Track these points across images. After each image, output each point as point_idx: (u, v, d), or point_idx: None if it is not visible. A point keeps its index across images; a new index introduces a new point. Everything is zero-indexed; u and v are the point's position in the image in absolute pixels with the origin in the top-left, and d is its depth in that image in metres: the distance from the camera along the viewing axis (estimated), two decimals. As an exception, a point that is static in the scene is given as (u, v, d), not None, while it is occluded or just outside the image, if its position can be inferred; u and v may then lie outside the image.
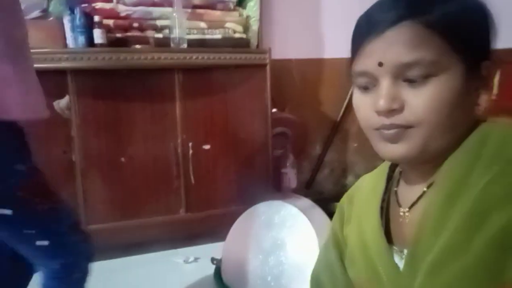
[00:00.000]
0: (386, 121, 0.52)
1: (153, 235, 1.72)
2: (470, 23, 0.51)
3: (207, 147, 1.71)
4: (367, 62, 0.53)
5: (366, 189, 0.67)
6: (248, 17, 1.78)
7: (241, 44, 1.71)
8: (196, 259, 1.65)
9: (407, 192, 0.59)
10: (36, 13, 1.45)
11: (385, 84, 0.51)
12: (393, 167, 0.65)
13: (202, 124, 1.70)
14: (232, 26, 1.71)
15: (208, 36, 1.67)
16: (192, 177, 1.70)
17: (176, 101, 1.64)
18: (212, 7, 1.68)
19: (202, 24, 1.66)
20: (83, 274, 0.98)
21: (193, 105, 1.67)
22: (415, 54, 0.49)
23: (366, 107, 0.54)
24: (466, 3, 0.51)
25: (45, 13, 1.47)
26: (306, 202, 1.46)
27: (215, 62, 1.63)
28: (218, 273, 1.37)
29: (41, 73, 1.45)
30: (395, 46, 0.50)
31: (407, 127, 0.51)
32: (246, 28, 1.78)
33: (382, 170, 0.66)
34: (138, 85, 1.60)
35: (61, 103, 1.51)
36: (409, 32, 0.49)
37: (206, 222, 1.74)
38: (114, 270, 1.64)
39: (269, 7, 1.90)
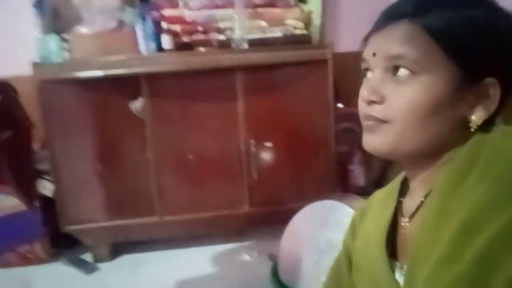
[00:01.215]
0: (366, 110, 0.54)
1: (218, 228, 1.82)
2: (472, 35, 0.50)
3: (269, 144, 1.74)
4: (367, 50, 0.56)
5: (377, 203, 0.67)
6: (309, 12, 1.76)
7: (302, 41, 1.70)
8: (256, 254, 1.71)
9: (409, 202, 0.59)
10: (112, 24, 1.61)
11: (374, 74, 0.54)
12: (405, 180, 0.63)
13: (264, 121, 1.73)
14: (293, 23, 1.71)
15: (268, 35, 1.70)
16: (254, 174, 1.75)
17: (238, 99, 1.69)
18: (272, 5, 1.70)
19: (263, 23, 1.69)
20: None
21: (255, 103, 1.71)
22: (402, 48, 0.51)
23: (360, 95, 0.56)
24: (472, 15, 0.50)
25: (121, 23, 1.62)
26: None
27: (276, 60, 1.65)
28: (274, 269, 1.40)
29: (117, 78, 1.63)
30: (388, 39, 0.53)
31: (383, 121, 0.52)
32: (307, 24, 1.77)
33: (395, 183, 0.66)
34: (203, 86, 1.68)
35: (136, 105, 1.67)
36: (404, 29, 0.51)
37: (268, 218, 1.79)
38: (182, 259, 1.77)
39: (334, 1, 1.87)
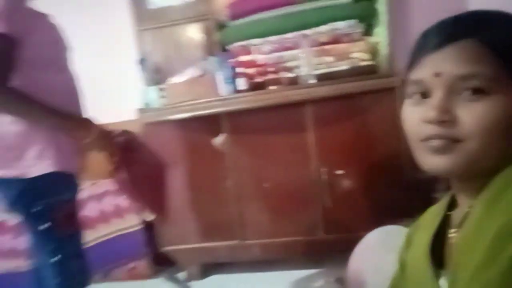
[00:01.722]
0: (436, 130, 0.53)
1: (295, 253, 1.90)
2: None
3: (340, 172, 1.81)
4: (424, 71, 0.55)
5: (428, 216, 0.71)
6: (376, 43, 1.82)
7: (369, 71, 1.76)
8: (331, 280, 1.74)
9: (457, 214, 0.61)
10: (198, 73, 1.89)
11: (438, 95, 0.53)
12: (454, 195, 0.66)
13: (334, 150, 1.80)
14: (359, 55, 1.78)
15: (335, 68, 1.79)
16: (328, 201, 1.82)
17: (308, 131, 1.80)
18: (338, 41, 1.80)
19: (329, 58, 1.80)
20: None
21: (324, 133, 1.80)
22: (473, 67, 0.51)
23: (415, 118, 0.56)
24: None
25: (204, 71, 1.89)
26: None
27: (342, 91, 1.73)
28: (342, 293, 1.44)
29: (202, 118, 1.87)
30: (453, 59, 0.52)
31: (455, 140, 0.52)
32: (374, 55, 1.83)
33: (445, 198, 0.68)
34: (275, 120, 1.84)
35: (218, 140, 1.89)
36: (468, 48, 0.52)
37: (344, 244, 1.81)
38: (262, 282, 1.89)
39: (401, 29, 1.89)
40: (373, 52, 1.83)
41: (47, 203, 1.10)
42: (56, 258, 1.11)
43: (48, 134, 1.10)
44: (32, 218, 1.11)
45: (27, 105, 1.02)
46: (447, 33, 0.54)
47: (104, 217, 2.21)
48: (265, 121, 1.85)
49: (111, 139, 1.18)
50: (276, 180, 1.87)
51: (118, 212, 2.19)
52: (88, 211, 2.21)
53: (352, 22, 1.79)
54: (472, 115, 0.51)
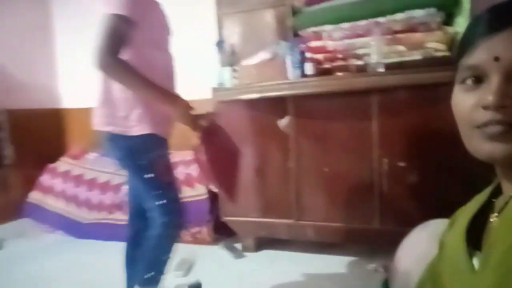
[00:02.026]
0: (494, 116, 0.51)
1: (348, 239, 1.92)
2: None
3: (402, 164, 1.77)
4: (481, 56, 0.53)
5: (472, 203, 0.72)
6: (456, 33, 1.73)
7: (443, 62, 1.69)
8: (380, 269, 1.74)
9: (500, 201, 0.61)
10: (268, 56, 1.97)
11: (497, 79, 0.51)
12: (499, 183, 0.65)
13: (398, 142, 1.78)
14: (434, 45, 1.72)
15: (407, 58, 1.75)
16: (386, 192, 1.80)
17: (373, 120, 1.80)
18: (413, 30, 1.75)
19: (401, 47, 1.76)
20: (176, 235, 1.41)
21: (389, 124, 1.78)
22: None
23: (470, 103, 0.55)
24: None
25: (274, 55, 1.97)
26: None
27: (412, 82, 1.68)
28: (386, 282, 1.45)
29: (269, 99, 1.96)
30: None
31: None
32: (452, 46, 1.74)
33: (491, 185, 0.68)
34: (340, 107, 1.86)
35: (283, 122, 1.97)
36: None
37: (399, 236, 1.79)
38: (312, 263, 1.95)
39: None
40: (451, 43, 1.74)
41: (148, 157, 1.32)
42: (161, 202, 1.35)
43: (146, 102, 1.31)
44: (138, 169, 1.34)
45: (131, 75, 1.21)
46: (505, 16, 0.52)
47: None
48: (330, 106, 1.88)
49: (196, 117, 1.36)
50: (336, 166, 1.90)
51: (189, 181, 2.39)
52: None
53: (431, 10, 1.73)
54: None
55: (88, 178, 2.80)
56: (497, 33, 0.52)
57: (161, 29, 1.40)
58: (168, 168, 1.41)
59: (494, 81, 0.52)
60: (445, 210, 1.67)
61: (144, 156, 1.32)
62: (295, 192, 1.99)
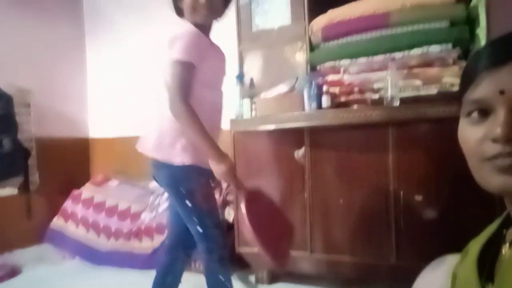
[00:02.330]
0: (504, 149, 0.51)
1: (363, 274, 1.87)
2: None
3: (419, 198, 1.75)
4: (486, 89, 0.54)
5: (484, 234, 0.71)
6: (472, 69, 1.75)
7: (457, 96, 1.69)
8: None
9: (511, 231, 0.61)
10: (286, 89, 2.03)
11: (503, 112, 0.52)
12: (509, 214, 0.65)
13: (415, 175, 1.76)
14: (450, 80, 1.73)
15: (423, 92, 1.77)
16: (403, 226, 1.77)
17: (389, 152, 1.79)
18: (429, 65, 1.78)
19: (417, 82, 1.78)
20: (221, 259, 1.44)
21: (406, 157, 1.77)
22: None
23: (478, 136, 0.55)
24: None
25: (292, 88, 2.02)
26: None
27: (427, 116, 1.69)
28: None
29: (286, 130, 2.00)
30: None
31: None
32: (469, 80, 1.75)
33: (502, 216, 0.68)
34: (356, 139, 1.87)
35: (299, 153, 1.99)
36: None
37: (416, 273, 1.73)
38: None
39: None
40: (468, 77, 1.75)
41: (190, 186, 1.40)
42: (201, 228, 1.41)
43: None
44: (181, 197, 1.41)
45: (196, 125, 1.30)
46: (508, 50, 0.53)
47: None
48: (346, 139, 1.90)
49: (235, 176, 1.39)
50: (352, 198, 1.89)
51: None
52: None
53: (446, 46, 1.76)
54: None
55: (109, 205, 2.86)
56: (500, 66, 0.53)
57: (217, 71, 1.52)
58: (208, 196, 1.47)
59: (500, 113, 0.52)
60: (463, 244, 1.63)
61: (186, 184, 1.40)
62: (310, 224, 1.98)
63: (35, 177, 3.04)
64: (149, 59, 3.01)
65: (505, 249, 0.58)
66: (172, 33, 1.37)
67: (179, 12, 1.48)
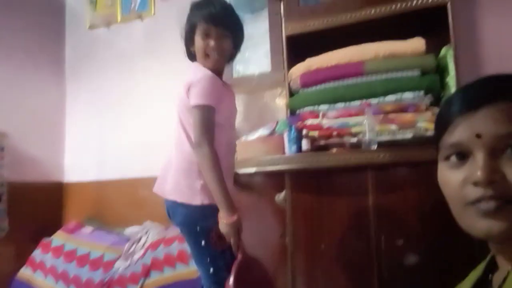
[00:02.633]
0: (486, 192, 0.52)
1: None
2: None
3: (400, 242, 1.74)
4: (463, 134, 0.56)
5: (467, 281, 0.71)
6: (444, 114, 1.82)
7: (433, 141, 1.74)
8: None
9: (498, 276, 0.61)
10: (267, 132, 2.06)
11: (482, 155, 0.53)
12: (494, 257, 0.65)
13: (395, 219, 1.76)
14: (424, 125, 1.79)
15: (399, 136, 1.82)
16: (385, 272, 1.74)
17: (369, 195, 1.80)
18: (403, 110, 1.84)
19: (393, 127, 1.83)
20: None
21: (385, 201, 1.78)
22: None
23: (458, 180, 0.56)
24: None
25: (273, 131, 2.05)
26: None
27: (404, 159, 1.73)
28: None
29: (267, 174, 1.99)
30: (493, 119, 0.54)
31: (506, 200, 0.51)
32: (442, 125, 1.82)
33: (485, 260, 0.69)
34: (336, 183, 1.88)
35: (280, 197, 1.98)
36: (507, 108, 0.54)
37: (400, 320, 1.69)
38: None
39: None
40: (441, 123, 1.82)
41: (208, 225, 1.40)
42: (214, 269, 1.41)
43: None
44: (195, 235, 1.43)
45: (216, 170, 1.34)
46: (483, 94, 0.56)
47: (170, 261, 2.36)
48: (326, 182, 1.90)
49: (239, 234, 1.41)
50: (334, 243, 1.86)
51: (183, 258, 2.32)
52: (159, 253, 2.40)
53: (419, 93, 1.84)
54: None
55: (80, 254, 2.72)
56: (475, 111, 0.55)
57: (232, 110, 1.61)
58: (223, 237, 1.43)
59: (479, 157, 0.54)
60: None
61: (202, 224, 1.41)
62: (291, 270, 1.92)
63: (4, 223, 2.89)
64: (129, 105, 3.06)
65: None
66: (188, 78, 1.43)
67: (191, 56, 1.57)
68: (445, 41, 1.89)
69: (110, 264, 2.54)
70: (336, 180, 1.88)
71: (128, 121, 3.08)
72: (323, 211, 1.90)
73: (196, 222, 1.42)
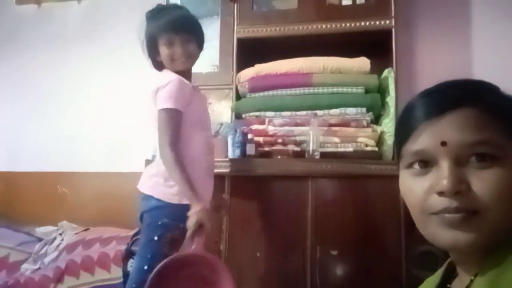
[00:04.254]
0: (451, 203, 0.49)
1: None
2: None
3: (334, 252, 1.76)
4: (427, 141, 0.52)
5: (423, 286, 0.68)
6: (382, 132, 1.91)
7: (372, 156, 1.82)
8: None
9: (458, 284, 0.59)
10: (210, 134, 1.98)
11: (447, 164, 0.50)
12: (452, 264, 0.63)
13: (331, 230, 1.79)
14: (364, 140, 1.87)
15: (340, 149, 1.87)
16: (318, 281, 1.75)
17: (309, 205, 1.81)
18: (346, 125, 1.90)
19: (336, 139, 1.88)
20: None
21: (324, 211, 1.80)
22: (481, 134, 0.49)
23: (422, 189, 0.53)
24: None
25: (216, 133, 1.98)
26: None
27: (344, 171, 1.78)
28: None
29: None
30: (458, 126, 0.50)
31: (472, 212, 0.49)
32: (380, 143, 1.91)
33: (441, 269, 0.66)
34: (278, 189, 1.87)
35: (219, 202, 1.90)
36: (472, 115, 0.51)
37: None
38: None
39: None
40: (379, 140, 1.91)
41: (168, 223, 1.39)
42: (147, 267, 1.34)
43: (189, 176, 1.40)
44: (153, 228, 1.40)
45: (180, 171, 1.35)
46: (447, 99, 0.53)
47: (88, 265, 2.14)
48: (267, 189, 1.88)
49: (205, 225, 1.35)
50: (270, 251, 1.83)
51: (104, 263, 2.13)
52: (76, 256, 2.17)
53: (361, 110, 1.91)
54: (486, 183, 0.48)
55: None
56: (440, 117, 0.52)
57: (202, 113, 1.60)
58: (177, 243, 1.42)
59: (444, 165, 0.51)
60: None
61: (166, 221, 1.40)
62: (224, 279, 1.85)
63: None
64: (59, 94, 2.76)
65: None
66: (156, 83, 1.44)
67: (158, 66, 1.56)
68: (387, 63, 2.01)
69: (16, 265, 2.24)
70: (277, 187, 1.87)
71: (55, 111, 2.78)
72: (262, 218, 1.86)
73: (162, 216, 1.41)
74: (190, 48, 1.51)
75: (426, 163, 0.54)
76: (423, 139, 0.53)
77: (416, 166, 0.55)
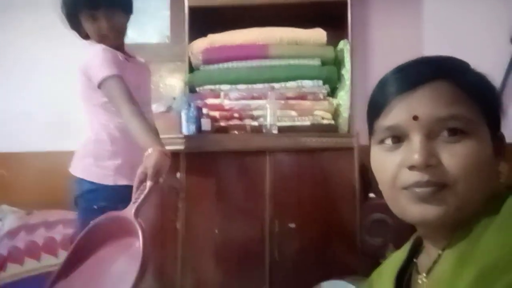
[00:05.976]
0: (422, 177, 0.49)
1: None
2: (491, 93, 0.54)
3: (292, 225, 1.78)
4: (399, 116, 0.52)
5: (391, 263, 0.67)
6: (338, 105, 1.92)
7: (328, 130, 1.83)
8: None
9: (425, 259, 0.59)
10: (162, 109, 1.88)
11: (418, 138, 0.50)
12: (418, 239, 0.63)
13: (289, 203, 1.79)
14: (321, 113, 1.86)
15: (298, 123, 1.85)
16: (276, 254, 1.76)
17: (266, 180, 1.80)
18: (303, 98, 1.88)
19: (293, 113, 1.86)
20: None
21: (282, 185, 1.79)
22: (452, 109, 0.50)
23: (394, 164, 0.52)
24: (485, 76, 0.55)
25: (169, 108, 1.89)
26: None
27: (303, 145, 1.77)
28: None
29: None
30: (430, 101, 0.50)
31: (442, 185, 0.49)
32: (336, 116, 1.91)
33: (408, 243, 0.66)
34: (235, 165, 1.83)
35: (173, 179, 1.83)
36: (445, 89, 0.51)
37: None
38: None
39: (362, 96, 2.01)
40: (335, 112, 1.91)
41: (104, 206, 1.29)
42: None
43: (125, 154, 1.42)
44: (90, 213, 1.29)
45: (137, 115, 1.28)
46: (419, 74, 0.53)
47: (33, 251, 2.00)
48: (224, 165, 1.83)
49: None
50: (228, 228, 1.80)
51: (51, 248, 2.00)
52: (18, 242, 2.02)
53: (317, 82, 1.89)
54: (456, 157, 0.49)
55: None
56: (412, 91, 0.52)
57: (136, 85, 1.45)
58: None
59: (416, 140, 0.51)
60: (333, 271, 1.70)
61: (101, 204, 1.33)
62: (180, 258, 1.81)
63: None
64: None
65: (421, 280, 0.56)
66: (82, 61, 1.37)
67: (85, 36, 1.46)
68: (342, 35, 1.99)
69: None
70: (234, 163, 1.83)
71: None
72: (219, 195, 1.82)
73: (98, 200, 1.36)
74: (117, 21, 1.41)
75: (398, 138, 0.53)
76: (395, 114, 0.53)
77: (388, 141, 0.54)
